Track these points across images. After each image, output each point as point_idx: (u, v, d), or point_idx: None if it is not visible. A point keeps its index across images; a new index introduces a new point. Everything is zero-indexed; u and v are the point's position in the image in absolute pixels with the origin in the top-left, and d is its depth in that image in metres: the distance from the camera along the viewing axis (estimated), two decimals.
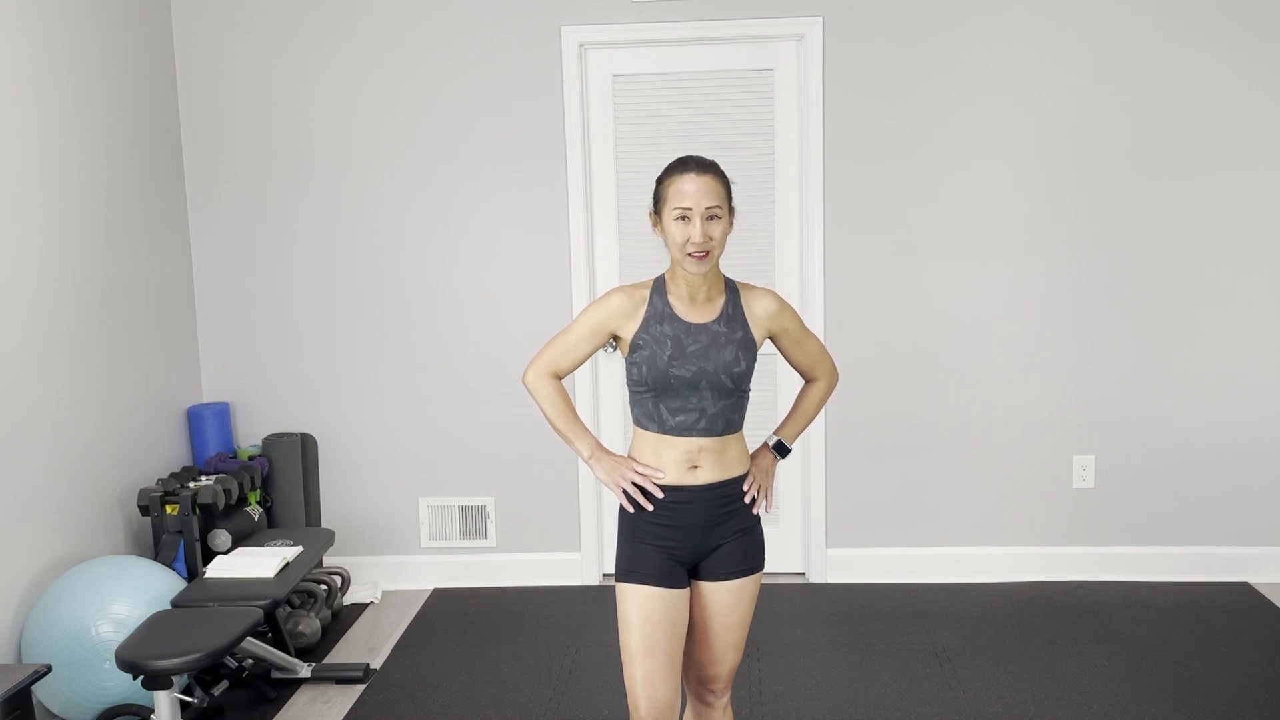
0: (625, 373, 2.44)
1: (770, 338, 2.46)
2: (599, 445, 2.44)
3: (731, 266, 3.30)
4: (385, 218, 4.28)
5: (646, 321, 2.36)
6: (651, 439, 2.39)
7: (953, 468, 4.30)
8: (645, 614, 2.32)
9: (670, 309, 2.36)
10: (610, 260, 4.29)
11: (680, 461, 2.36)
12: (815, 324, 4.20)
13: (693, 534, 2.37)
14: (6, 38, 3.27)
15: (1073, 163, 4.12)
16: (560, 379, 2.45)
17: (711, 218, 2.29)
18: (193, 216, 4.31)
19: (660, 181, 2.39)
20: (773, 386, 4.33)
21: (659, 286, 2.40)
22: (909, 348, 4.25)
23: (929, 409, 4.27)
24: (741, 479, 2.42)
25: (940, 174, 4.15)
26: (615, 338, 2.42)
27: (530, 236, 4.26)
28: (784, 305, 2.45)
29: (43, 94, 3.43)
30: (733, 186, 2.37)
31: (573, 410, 2.46)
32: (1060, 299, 4.19)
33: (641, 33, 4.12)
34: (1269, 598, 4.10)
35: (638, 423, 2.42)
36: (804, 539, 4.42)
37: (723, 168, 2.38)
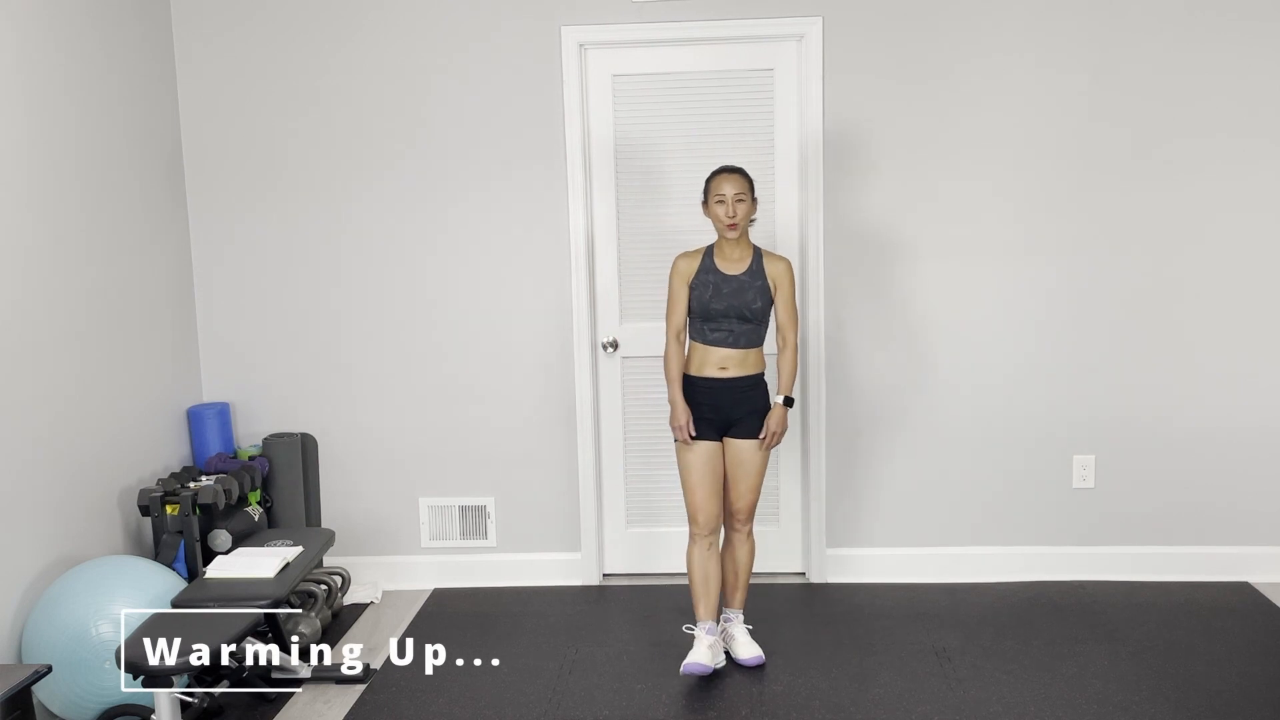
0: (687, 305, 3.59)
1: (775, 283, 3.55)
2: (680, 396, 3.58)
3: None
4: (386, 217, 4.28)
5: (700, 272, 3.55)
6: (700, 348, 3.57)
7: (953, 468, 4.30)
8: (698, 458, 3.58)
9: (714, 264, 3.55)
10: (610, 260, 4.29)
11: (716, 364, 3.55)
12: (815, 324, 4.22)
13: (722, 409, 3.56)
14: (6, 37, 3.27)
15: (1073, 162, 4.12)
16: (679, 338, 3.61)
17: (739, 201, 3.48)
18: (193, 216, 4.31)
19: (707, 181, 3.57)
20: (773, 387, 4.33)
21: (709, 251, 3.59)
22: (909, 347, 4.25)
23: (928, 409, 4.27)
24: (757, 376, 3.59)
25: (940, 174, 4.15)
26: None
27: (530, 236, 4.26)
28: (788, 270, 3.59)
29: (43, 93, 3.43)
30: (755, 182, 3.58)
31: (679, 369, 3.60)
32: (1060, 299, 4.19)
33: (641, 33, 4.12)
34: (1269, 598, 4.09)
35: (691, 338, 3.61)
36: (804, 539, 4.42)
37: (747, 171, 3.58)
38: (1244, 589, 4.18)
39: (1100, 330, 4.20)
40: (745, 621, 3.73)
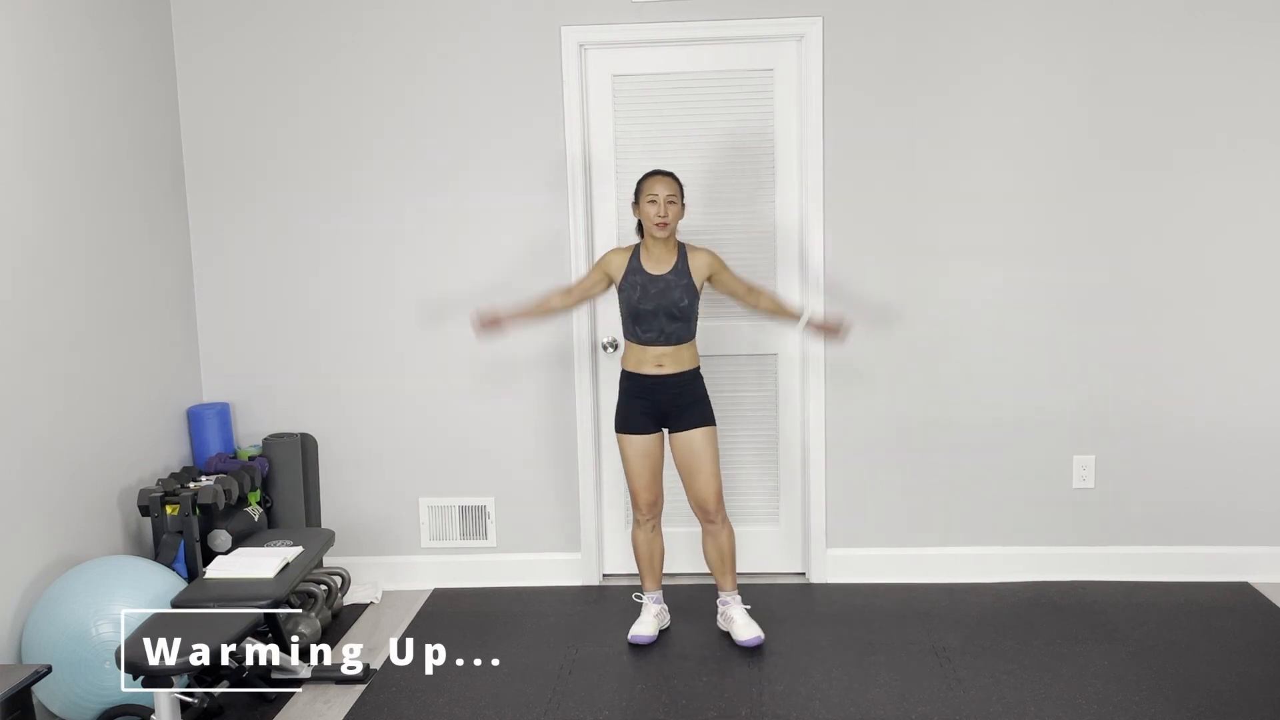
0: (618, 306, 3.75)
1: (709, 281, 3.73)
2: (509, 308, 3.90)
3: (732, 264, 3.96)
4: (385, 217, 4.28)
5: (627, 273, 3.69)
6: (635, 347, 3.71)
7: (952, 468, 4.30)
8: (635, 449, 3.76)
9: (641, 265, 3.68)
10: None
11: (653, 361, 3.68)
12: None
13: (659, 404, 3.71)
14: (6, 37, 3.27)
15: (1072, 162, 4.12)
16: (567, 295, 3.88)
17: (670, 203, 3.61)
18: (193, 216, 4.31)
19: (640, 181, 3.69)
20: (774, 387, 4.34)
21: (636, 252, 3.72)
22: (908, 348, 4.25)
23: (929, 409, 4.27)
24: (694, 371, 3.73)
25: (940, 174, 4.15)
26: (609, 283, 3.77)
27: (530, 236, 4.26)
28: (713, 259, 3.74)
29: (43, 93, 3.44)
30: (684, 186, 3.73)
31: (537, 306, 3.90)
32: (1060, 298, 4.19)
33: (641, 33, 4.12)
34: (1269, 598, 4.09)
35: (625, 337, 3.76)
36: (804, 539, 4.42)
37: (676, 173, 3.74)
38: (1244, 589, 4.18)
39: (1100, 330, 4.20)
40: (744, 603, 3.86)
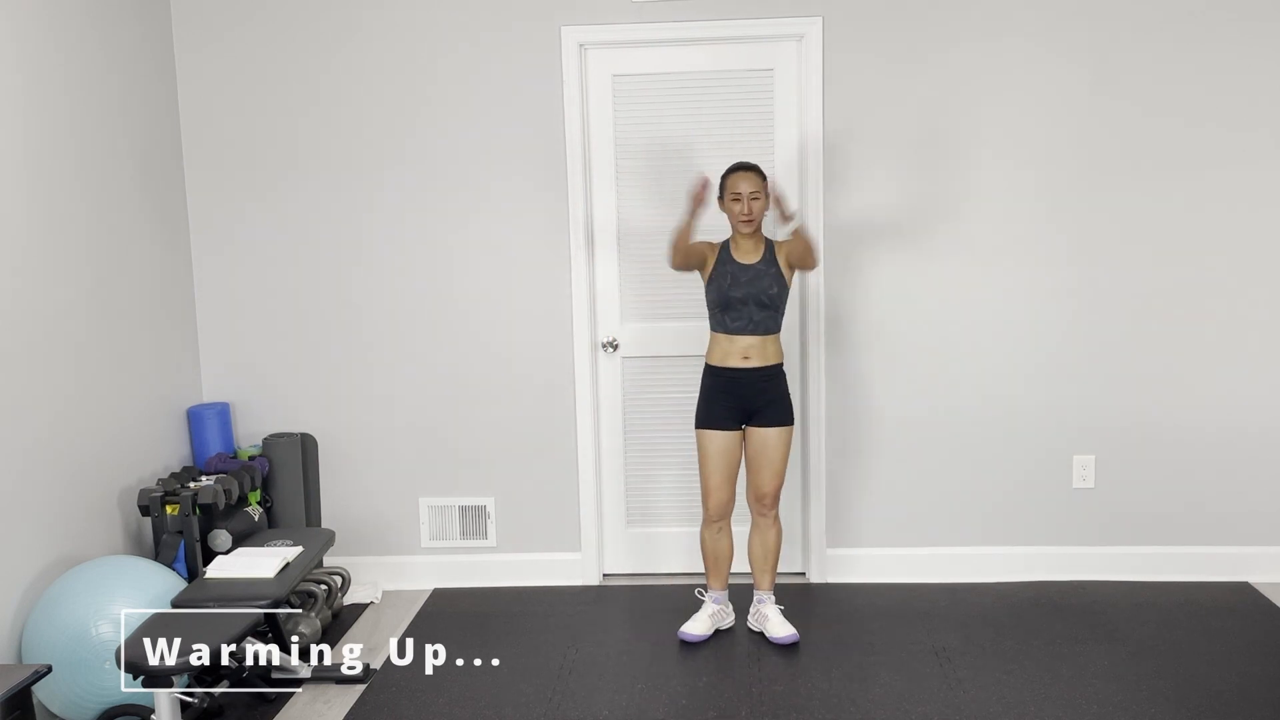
0: (705, 295, 3.76)
1: (788, 262, 3.70)
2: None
3: None
4: (385, 217, 4.28)
5: (718, 263, 3.71)
6: (722, 339, 3.71)
7: (953, 468, 4.30)
8: (716, 446, 3.73)
9: (731, 255, 3.71)
10: (610, 260, 4.29)
11: (740, 353, 3.68)
12: (815, 324, 4.22)
13: (744, 399, 3.70)
14: (6, 37, 3.27)
15: (1073, 163, 4.12)
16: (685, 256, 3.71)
17: (754, 199, 3.64)
18: (193, 216, 4.31)
19: (724, 177, 3.72)
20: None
21: (725, 245, 3.74)
22: (909, 348, 4.25)
23: (929, 409, 4.27)
24: (777, 366, 3.72)
25: (940, 174, 4.15)
26: (702, 268, 3.74)
27: (530, 236, 4.26)
28: (782, 241, 3.73)
29: (43, 93, 3.43)
30: (768, 179, 3.73)
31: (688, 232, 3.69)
32: (1060, 299, 4.19)
33: (641, 33, 4.12)
34: (1269, 598, 4.09)
35: (712, 329, 3.75)
36: (804, 539, 4.42)
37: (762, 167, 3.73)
38: (1244, 589, 4.18)
39: (1100, 330, 4.20)
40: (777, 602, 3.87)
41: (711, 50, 4.16)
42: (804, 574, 4.44)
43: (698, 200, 3.62)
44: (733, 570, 3.94)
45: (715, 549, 3.85)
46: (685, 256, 3.69)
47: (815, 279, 4.20)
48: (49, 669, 2.70)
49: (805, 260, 3.69)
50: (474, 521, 4.44)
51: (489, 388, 4.34)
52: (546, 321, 4.29)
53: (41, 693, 3.17)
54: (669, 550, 4.37)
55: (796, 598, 4.21)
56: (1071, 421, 4.25)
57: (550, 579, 4.42)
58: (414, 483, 4.42)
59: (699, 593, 3.98)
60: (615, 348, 4.33)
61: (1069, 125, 4.10)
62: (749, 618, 3.90)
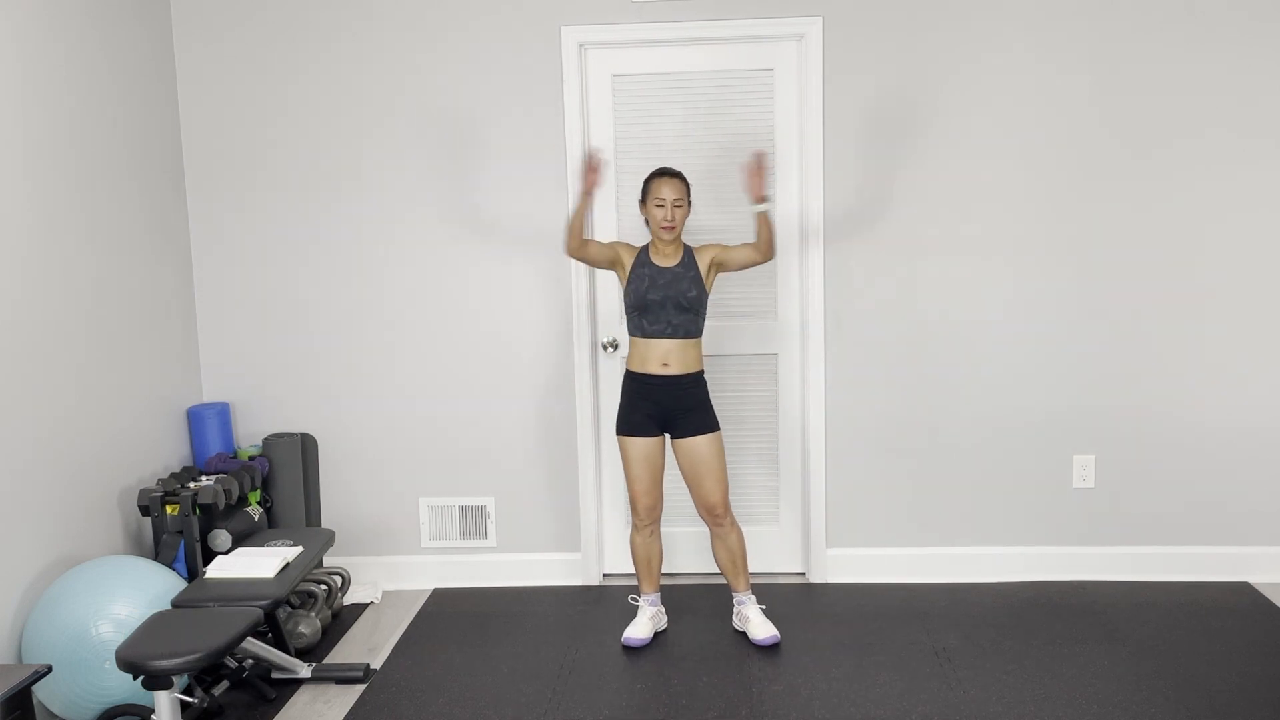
0: (622, 299, 3.74)
1: (716, 267, 3.68)
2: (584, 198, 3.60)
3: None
4: (385, 217, 4.28)
5: (636, 266, 3.68)
6: (640, 343, 3.67)
7: (953, 468, 4.31)
8: (638, 453, 3.72)
9: (649, 259, 3.68)
10: None
11: (658, 360, 3.65)
12: (815, 324, 4.22)
13: (663, 406, 3.68)
14: (6, 37, 3.27)
15: (1073, 162, 4.12)
16: (585, 237, 3.61)
17: (677, 206, 3.61)
18: (193, 216, 4.31)
19: (647, 181, 3.68)
20: (774, 387, 4.33)
21: (644, 249, 3.72)
22: (909, 348, 4.25)
23: (929, 409, 4.27)
24: (698, 374, 3.70)
25: (940, 174, 4.15)
26: (619, 270, 3.70)
27: (530, 236, 4.26)
28: (714, 245, 3.71)
29: (43, 93, 3.43)
30: (691, 187, 3.74)
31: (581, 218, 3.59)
32: (1060, 299, 4.19)
33: (641, 33, 4.12)
34: (1269, 598, 4.10)
35: (630, 333, 3.70)
36: (804, 539, 4.42)
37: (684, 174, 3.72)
38: (1244, 589, 4.18)
39: (1100, 330, 4.20)
40: (759, 602, 3.88)
41: (711, 50, 4.16)
42: (804, 574, 4.45)
43: (591, 172, 3.51)
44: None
45: (646, 553, 3.84)
46: (594, 252, 3.62)
47: (814, 279, 4.20)
48: (49, 669, 2.70)
49: (760, 252, 3.59)
50: (474, 521, 4.44)
51: (489, 388, 4.35)
52: (547, 321, 4.29)
53: (41, 693, 3.17)
54: (669, 550, 4.37)
55: (796, 598, 4.22)
56: (1071, 421, 4.25)
57: (550, 579, 4.42)
58: (414, 483, 4.42)
59: (632, 599, 4.01)
60: (615, 348, 4.33)
61: (1069, 123, 4.10)
62: (733, 619, 3.91)
